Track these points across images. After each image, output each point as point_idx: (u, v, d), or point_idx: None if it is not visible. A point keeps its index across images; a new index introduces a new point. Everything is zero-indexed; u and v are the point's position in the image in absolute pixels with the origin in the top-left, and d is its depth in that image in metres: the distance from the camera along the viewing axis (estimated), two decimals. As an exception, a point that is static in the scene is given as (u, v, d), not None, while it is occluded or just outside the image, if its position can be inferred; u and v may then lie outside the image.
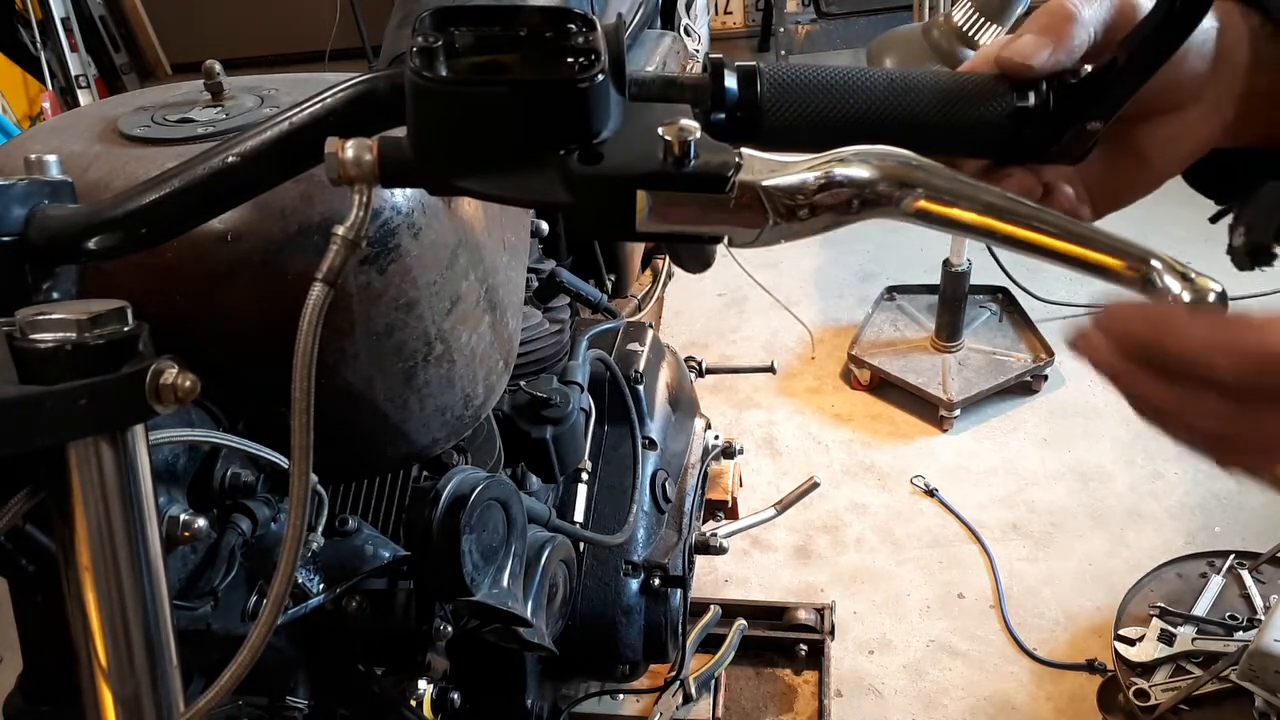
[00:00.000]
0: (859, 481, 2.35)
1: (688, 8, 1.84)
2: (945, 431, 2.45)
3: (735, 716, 1.83)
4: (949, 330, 2.53)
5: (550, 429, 1.18)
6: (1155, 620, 1.72)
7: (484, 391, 0.90)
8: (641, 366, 1.42)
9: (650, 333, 1.52)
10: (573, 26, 0.47)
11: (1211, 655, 1.65)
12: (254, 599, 0.77)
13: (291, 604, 0.79)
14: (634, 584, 1.29)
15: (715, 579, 2.12)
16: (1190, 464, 2.27)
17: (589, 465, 1.28)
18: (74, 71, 4.30)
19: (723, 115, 0.48)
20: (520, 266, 1.01)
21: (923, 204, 0.45)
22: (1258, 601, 1.76)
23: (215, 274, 0.69)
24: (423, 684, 0.92)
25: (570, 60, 0.46)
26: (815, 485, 1.84)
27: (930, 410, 2.47)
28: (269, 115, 0.55)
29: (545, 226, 1.32)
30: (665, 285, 1.88)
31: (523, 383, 1.19)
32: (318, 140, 0.49)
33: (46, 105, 4.12)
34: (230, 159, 0.54)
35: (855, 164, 0.45)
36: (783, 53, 4.39)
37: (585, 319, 1.47)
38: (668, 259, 1.86)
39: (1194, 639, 1.69)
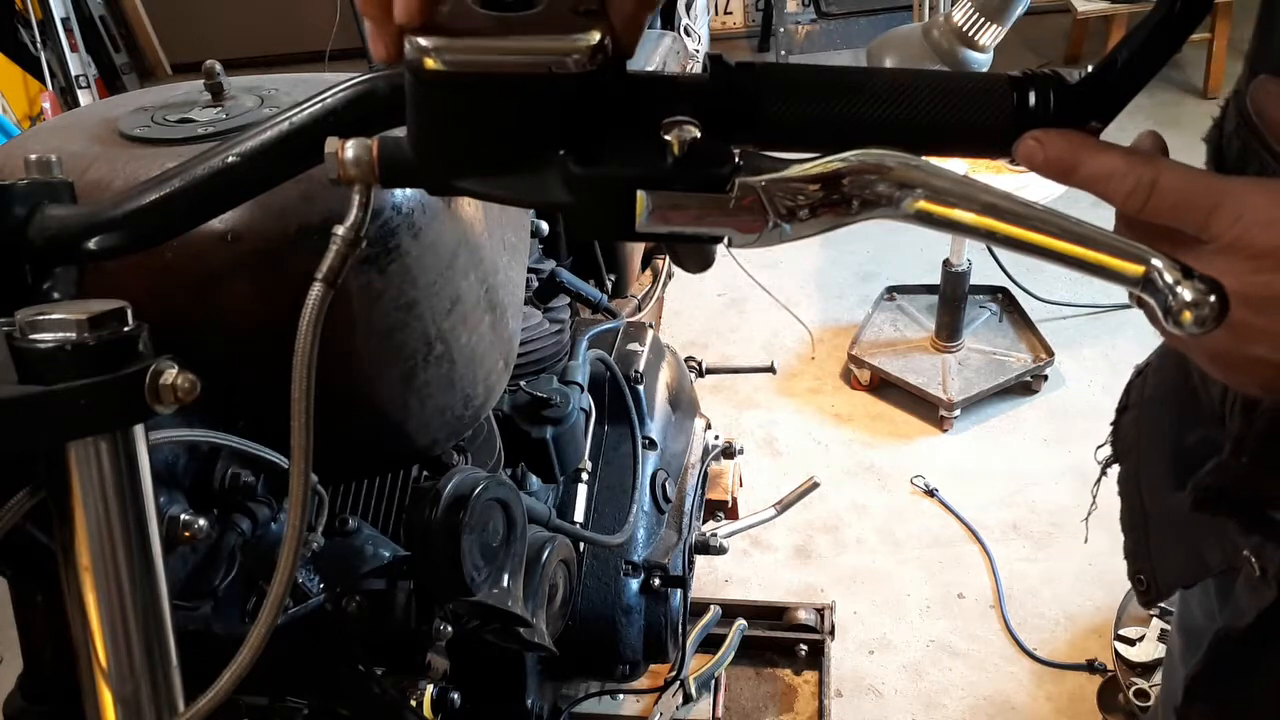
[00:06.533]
0: (859, 481, 2.35)
1: (688, 8, 1.84)
2: (945, 431, 2.45)
3: (735, 716, 1.83)
4: (949, 330, 2.53)
5: (550, 429, 1.18)
6: (1155, 620, 1.72)
7: (484, 391, 0.90)
8: (641, 366, 1.42)
9: (650, 333, 1.52)
10: (573, 27, 0.47)
11: (1211, 655, 1.65)
12: (254, 599, 0.77)
13: (291, 604, 0.79)
14: (634, 584, 1.29)
15: (715, 579, 2.12)
16: (1190, 464, 2.27)
17: (589, 465, 1.28)
18: (74, 71, 4.30)
19: (722, 115, 0.48)
20: (520, 266, 1.01)
21: (923, 205, 0.45)
22: (1258, 601, 1.75)
23: (215, 274, 0.69)
24: (423, 684, 0.92)
25: None
26: (815, 485, 1.83)
27: (930, 410, 2.47)
28: (269, 115, 0.55)
29: (545, 226, 1.32)
30: (665, 285, 1.88)
31: (523, 383, 1.19)
32: (318, 140, 0.49)
33: (46, 105, 4.12)
34: (230, 159, 0.54)
35: (855, 164, 0.45)
36: (783, 53, 4.39)
37: (585, 319, 1.47)
38: (668, 259, 1.86)
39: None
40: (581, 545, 1.24)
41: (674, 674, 1.51)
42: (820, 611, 1.94)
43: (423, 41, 0.44)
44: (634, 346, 1.46)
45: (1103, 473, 0.80)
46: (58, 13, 4.24)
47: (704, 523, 1.62)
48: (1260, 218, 0.43)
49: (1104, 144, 0.47)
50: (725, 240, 0.48)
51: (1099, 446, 0.80)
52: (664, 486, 1.38)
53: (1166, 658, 0.87)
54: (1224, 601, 0.68)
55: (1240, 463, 0.55)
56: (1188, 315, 0.41)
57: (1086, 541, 0.82)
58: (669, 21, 1.82)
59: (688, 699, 1.62)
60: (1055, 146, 0.46)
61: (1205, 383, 0.64)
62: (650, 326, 1.57)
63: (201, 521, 0.66)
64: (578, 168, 0.46)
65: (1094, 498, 0.84)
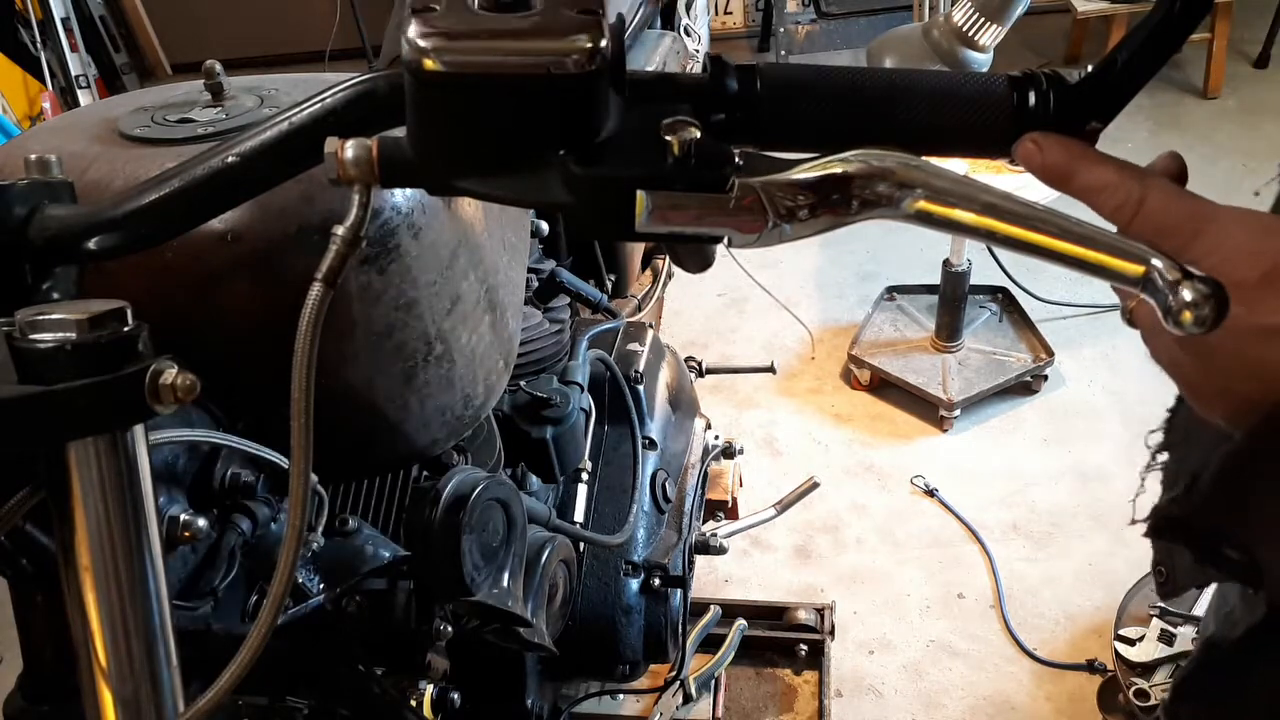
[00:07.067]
0: (859, 481, 2.35)
1: (688, 8, 1.84)
2: (945, 431, 2.45)
3: (735, 716, 1.83)
4: (949, 330, 2.53)
5: (550, 429, 1.18)
6: (1155, 620, 1.72)
7: (484, 391, 0.90)
8: (641, 366, 1.42)
9: (650, 333, 1.52)
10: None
11: (1211, 655, 1.65)
12: (254, 599, 0.77)
13: (291, 604, 0.79)
14: (634, 584, 1.29)
15: (715, 579, 2.12)
16: (1190, 464, 2.27)
17: (589, 465, 1.28)
18: (74, 71, 4.30)
19: (722, 115, 0.48)
20: (520, 266, 1.01)
21: (922, 205, 0.45)
22: (1258, 601, 1.75)
23: (215, 274, 0.69)
24: (423, 684, 0.92)
25: None
26: (815, 485, 1.83)
27: (930, 410, 2.47)
28: (269, 115, 0.55)
29: (545, 226, 1.32)
30: (665, 285, 1.88)
31: (523, 383, 1.19)
32: (318, 140, 0.49)
33: (46, 105, 4.12)
34: (230, 159, 0.54)
35: (855, 165, 0.45)
36: (783, 53, 4.39)
37: (585, 319, 1.47)
38: (668, 259, 1.86)
39: (1194, 639, 1.69)
40: (581, 545, 1.24)
41: (674, 674, 1.51)
42: (820, 611, 1.94)
43: (422, 42, 0.44)
44: (634, 346, 1.46)
45: (1152, 458, 0.79)
46: (58, 13, 4.24)
47: (704, 523, 1.62)
48: (1236, 249, 0.43)
49: (1100, 156, 0.47)
50: (725, 240, 0.48)
51: (1151, 432, 0.80)
52: (664, 486, 1.38)
53: (1198, 640, 0.87)
54: (1240, 600, 0.68)
55: (1192, 501, 0.55)
56: (1188, 315, 0.41)
57: (1133, 523, 0.80)
58: (669, 21, 1.82)
59: (688, 699, 1.62)
60: (1053, 154, 0.47)
61: None
62: (650, 326, 1.57)
63: (201, 521, 0.66)
64: (578, 168, 0.46)
65: (1142, 480, 0.83)
